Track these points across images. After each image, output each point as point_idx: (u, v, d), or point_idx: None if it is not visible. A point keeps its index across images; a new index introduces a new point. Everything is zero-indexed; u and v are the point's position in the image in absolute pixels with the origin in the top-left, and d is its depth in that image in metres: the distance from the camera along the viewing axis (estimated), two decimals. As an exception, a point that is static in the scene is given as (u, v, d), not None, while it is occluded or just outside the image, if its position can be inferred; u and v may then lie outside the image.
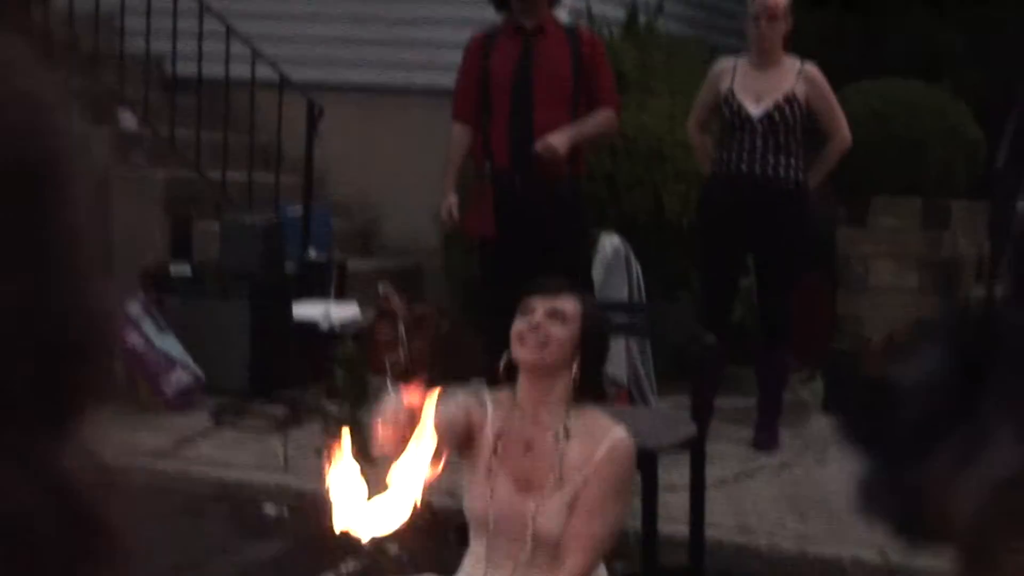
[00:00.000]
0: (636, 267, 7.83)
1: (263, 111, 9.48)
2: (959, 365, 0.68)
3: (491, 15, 7.03)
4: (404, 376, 3.39)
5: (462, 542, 5.24)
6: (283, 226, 8.57)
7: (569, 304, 3.73)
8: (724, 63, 7.46)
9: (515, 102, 6.75)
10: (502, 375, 3.74)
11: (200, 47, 9.45)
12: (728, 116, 7.25)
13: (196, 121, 9.46)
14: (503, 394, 3.71)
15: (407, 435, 3.23)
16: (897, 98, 9.74)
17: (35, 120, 0.66)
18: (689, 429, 4.97)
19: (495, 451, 3.62)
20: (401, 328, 8.26)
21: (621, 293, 7.62)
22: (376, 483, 3.20)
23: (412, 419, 3.26)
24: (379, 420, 3.28)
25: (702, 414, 5.11)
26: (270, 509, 6.51)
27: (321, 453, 6.15)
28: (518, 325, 3.68)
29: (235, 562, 5.91)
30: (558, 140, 6.61)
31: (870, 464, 0.71)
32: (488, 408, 3.66)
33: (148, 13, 9.68)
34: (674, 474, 5.65)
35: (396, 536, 6.21)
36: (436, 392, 3.32)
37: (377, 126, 10.08)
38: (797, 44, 7.47)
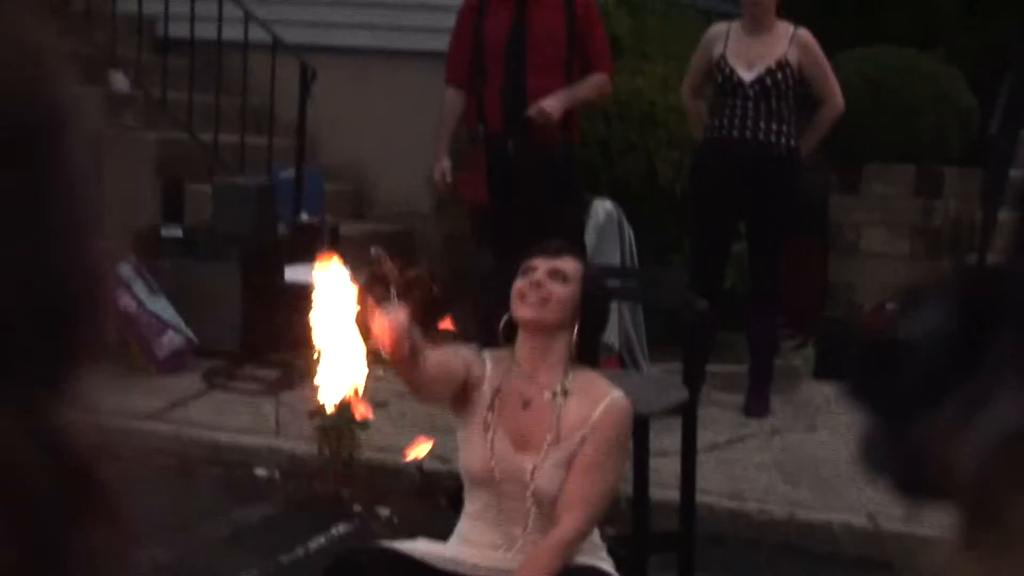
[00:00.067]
0: (628, 232, 7.82)
1: (256, 73, 9.45)
2: (964, 321, 0.68)
3: (485, -22, 7.00)
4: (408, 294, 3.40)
5: (453, 506, 5.26)
6: (275, 189, 8.55)
7: (570, 265, 3.75)
8: (718, 28, 7.44)
9: (508, 66, 6.74)
10: (501, 336, 3.75)
11: (192, 8, 9.41)
12: (720, 81, 7.25)
13: (188, 83, 9.42)
14: (502, 353, 3.72)
15: (401, 343, 3.27)
16: (890, 65, 9.72)
17: (35, 76, 0.65)
18: (681, 394, 4.97)
19: (492, 407, 3.62)
20: (393, 292, 8.24)
21: (613, 258, 7.62)
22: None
23: (409, 329, 3.27)
24: (381, 318, 3.31)
25: (694, 379, 5.11)
26: (262, 472, 6.52)
27: (313, 416, 6.17)
28: (519, 284, 3.69)
29: (226, 524, 5.92)
30: (551, 105, 6.60)
31: (873, 420, 0.71)
32: (487, 365, 3.67)
33: (140, -26, 9.64)
34: (665, 439, 5.66)
35: (387, 499, 6.24)
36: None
37: (370, 89, 10.05)
38: (790, 10, 7.45)
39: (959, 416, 0.66)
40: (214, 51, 9.38)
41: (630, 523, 4.85)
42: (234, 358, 7.88)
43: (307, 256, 8.77)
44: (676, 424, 5.17)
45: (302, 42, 9.32)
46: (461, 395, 3.65)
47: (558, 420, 3.61)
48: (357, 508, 6.16)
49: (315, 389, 3.48)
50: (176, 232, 8.32)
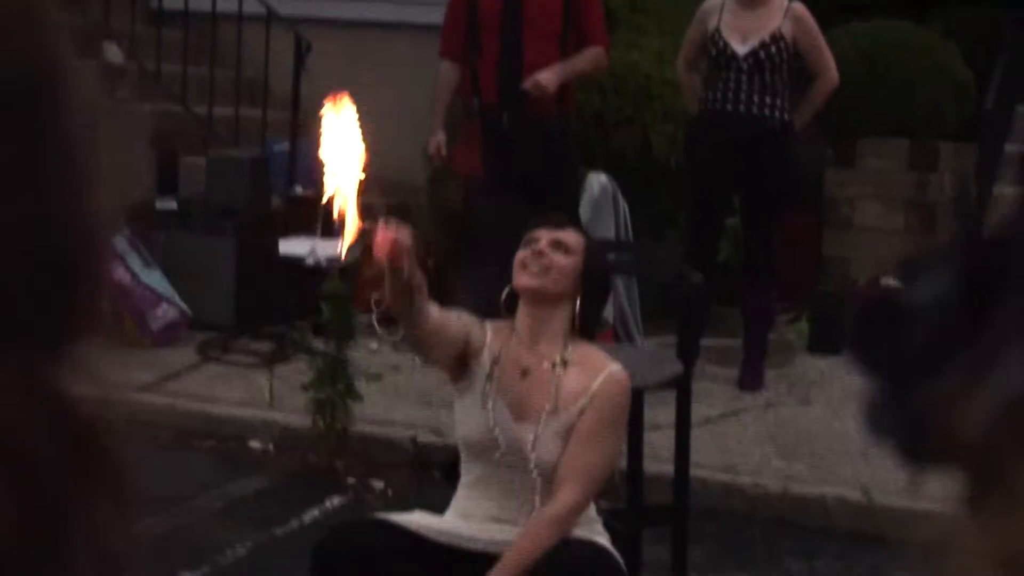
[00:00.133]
0: (623, 206, 7.82)
1: (250, 46, 9.43)
2: (968, 286, 0.68)
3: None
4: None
5: (447, 479, 5.27)
6: (269, 161, 8.55)
7: (573, 237, 3.76)
8: (712, 2, 7.42)
9: (504, 39, 6.72)
10: (503, 308, 3.75)
11: (187, -20, 9.39)
12: (714, 55, 7.24)
13: (182, 55, 9.40)
14: (502, 324, 3.72)
15: (399, 253, 3.28)
16: (886, 38, 9.70)
17: (30, 32, 0.65)
18: (675, 368, 4.97)
19: (491, 377, 3.62)
20: (387, 267, 8.24)
21: (608, 232, 7.62)
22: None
23: (410, 246, 3.32)
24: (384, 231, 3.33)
25: (688, 353, 5.11)
26: (256, 444, 6.53)
27: (307, 388, 6.18)
28: (521, 254, 3.70)
29: (220, 496, 5.92)
30: (546, 78, 6.59)
31: (877, 386, 0.71)
32: (487, 333, 3.67)
33: (134, -55, 9.61)
34: (659, 413, 5.67)
35: (381, 471, 6.25)
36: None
37: (365, 62, 10.02)
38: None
39: (964, 380, 0.66)
40: (208, 23, 9.36)
41: (624, 496, 4.86)
42: (228, 331, 7.88)
43: (301, 229, 8.80)
44: (670, 398, 5.17)
45: (296, 14, 9.30)
46: (460, 362, 3.65)
47: (557, 390, 3.61)
48: (351, 480, 6.17)
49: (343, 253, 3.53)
50: (170, 204, 8.31)
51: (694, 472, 5.37)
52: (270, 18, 9.14)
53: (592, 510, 3.67)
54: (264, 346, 7.71)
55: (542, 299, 3.68)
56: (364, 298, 8.04)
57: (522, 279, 3.68)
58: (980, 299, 0.67)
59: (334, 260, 8.27)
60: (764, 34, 7.14)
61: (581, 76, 7.01)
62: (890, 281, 8.07)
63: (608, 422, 3.62)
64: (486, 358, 3.64)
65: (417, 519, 3.57)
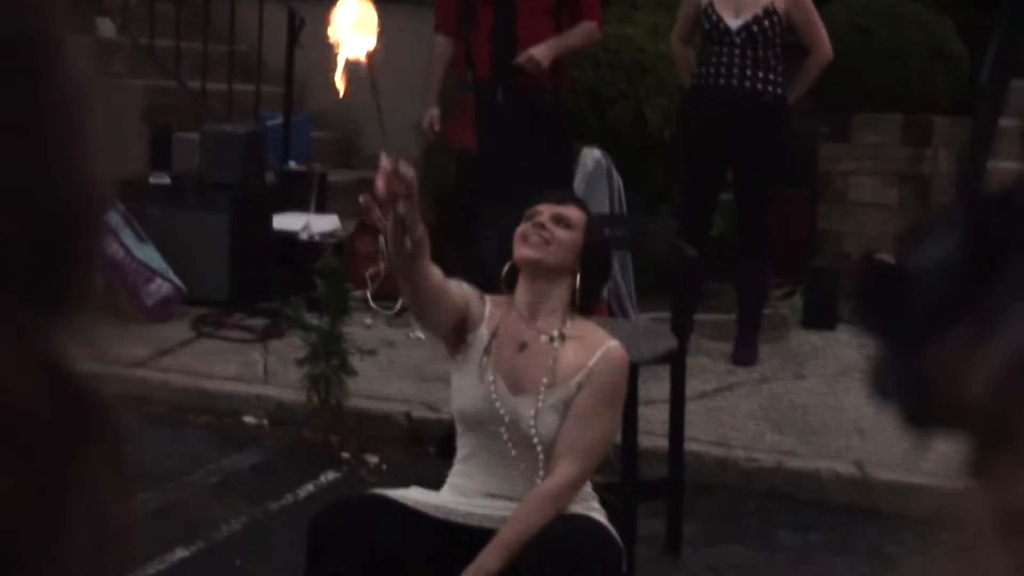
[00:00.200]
0: (617, 180, 7.81)
1: (244, 21, 9.40)
2: (975, 247, 0.68)
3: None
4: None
5: (441, 454, 5.28)
6: (263, 136, 8.53)
7: (575, 213, 3.77)
8: (707, -25, 7.41)
9: (498, 14, 6.71)
10: (503, 284, 3.75)
11: (179, -45, 9.36)
12: (707, 29, 7.23)
13: (176, 30, 9.38)
14: (502, 299, 3.72)
15: (395, 186, 3.25)
16: (880, 12, 9.68)
17: None
18: (669, 343, 4.97)
19: (488, 350, 3.62)
20: (382, 240, 8.25)
21: (602, 207, 7.61)
22: None
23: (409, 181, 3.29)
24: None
25: (683, 328, 5.12)
26: (250, 419, 6.53)
27: (302, 363, 6.18)
28: (522, 227, 3.70)
29: (215, 472, 5.93)
30: (541, 53, 6.58)
31: (882, 349, 0.71)
32: (487, 307, 3.66)
33: (127, -81, 9.58)
34: (654, 388, 5.68)
35: (376, 447, 6.25)
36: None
37: (358, 36, 9.99)
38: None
39: (969, 341, 0.66)
40: (201, -3, 9.34)
41: (619, 471, 4.87)
42: (222, 306, 7.87)
43: (295, 204, 8.78)
44: (664, 372, 5.18)
45: (290, -11, 9.28)
46: (459, 333, 3.64)
47: (554, 363, 3.60)
48: (345, 455, 6.17)
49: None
50: (164, 180, 8.29)
51: (688, 446, 5.39)
52: (263, -8, 9.12)
53: (589, 486, 3.67)
54: (258, 321, 7.71)
55: (542, 272, 3.68)
56: (359, 272, 8.06)
57: (522, 250, 3.68)
58: (985, 261, 0.67)
59: (329, 237, 8.28)
60: (757, 8, 7.13)
61: (575, 51, 7.00)
62: (884, 256, 8.07)
63: (605, 398, 3.62)
64: (484, 331, 3.64)
65: (414, 495, 3.57)
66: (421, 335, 7.47)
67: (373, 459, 6.15)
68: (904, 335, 0.70)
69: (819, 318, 8.05)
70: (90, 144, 0.67)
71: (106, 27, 9.61)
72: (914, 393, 0.69)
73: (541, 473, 3.55)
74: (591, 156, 7.74)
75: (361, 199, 8.44)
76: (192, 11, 9.43)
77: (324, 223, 8.51)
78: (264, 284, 8.03)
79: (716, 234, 7.69)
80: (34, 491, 0.63)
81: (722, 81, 7.16)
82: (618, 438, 4.74)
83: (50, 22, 0.65)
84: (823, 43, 7.27)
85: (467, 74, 6.81)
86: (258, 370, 6.88)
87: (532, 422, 3.55)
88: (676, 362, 5.07)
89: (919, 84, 9.54)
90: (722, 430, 6.29)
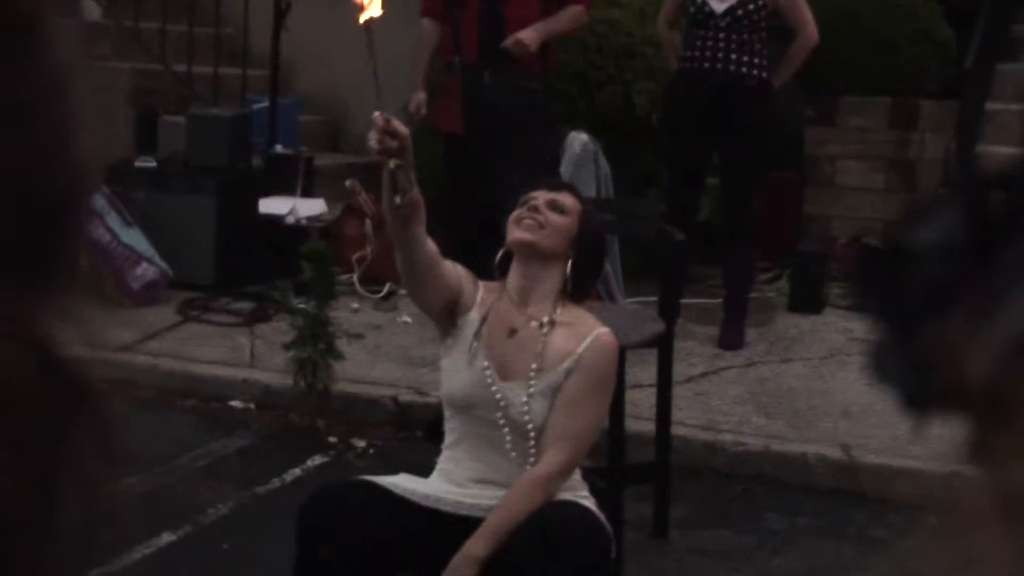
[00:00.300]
0: (604, 164, 7.80)
1: (230, 3, 9.37)
2: (976, 228, 0.67)
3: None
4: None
5: (429, 438, 5.27)
6: (249, 120, 8.51)
7: (569, 200, 3.77)
8: (693, -41, 7.40)
9: (485, -3, 6.69)
10: (496, 271, 3.74)
11: (165, -63, 9.32)
12: (693, 12, 7.22)
13: (161, 12, 9.34)
14: (494, 284, 3.72)
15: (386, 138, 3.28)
16: (868, -4, 9.69)
17: None
18: (657, 327, 4.97)
19: (478, 335, 3.61)
20: (368, 224, 8.24)
21: (589, 190, 7.59)
22: None
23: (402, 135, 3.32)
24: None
25: (670, 311, 5.11)
26: (237, 404, 6.52)
27: (289, 348, 6.17)
28: (517, 212, 3.70)
29: (202, 456, 5.92)
30: (528, 36, 6.56)
31: (882, 331, 0.70)
32: (479, 291, 3.66)
33: (112, -98, 9.54)
34: (641, 372, 5.68)
35: (363, 431, 6.24)
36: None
37: (345, 19, 9.92)
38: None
39: (971, 320, 0.65)
40: (187, -20, 9.30)
41: (606, 455, 4.86)
42: (209, 290, 7.86)
43: (282, 188, 8.77)
44: (652, 356, 5.18)
45: (276, -29, 9.24)
46: (449, 313, 3.63)
47: (543, 350, 3.60)
48: (333, 440, 6.17)
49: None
50: (150, 163, 8.27)
51: (676, 430, 5.39)
52: (249, -25, 9.09)
53: (578, 473, 3.67)
54: (245, 305, 7.70)
55: (534, 255, 3.67)
56: (346, 256, 8.05)
57: (516, 233, 3.68)
58: (986, 239, 0.66)
59: (315, 221, 8.26)
60: (743, -8, 7.12)
61: (562, 34, 6.98)
62: (871, 240, 8.07)
63: (595, 385, 3.61)
64: (475, 316, 3.64)
65: (402, 482, 3.56)
66: (408, 319, 7.47)
67: (360, 443, 6.15)
68: (904, 317, 0.69)
69: (806, 302, 8.06)
70: (76, 125, 0.66)
71: (91, 9, 9.57)
72: (914, 376, 0.68)
73: (532, 459, 3.54)
74: (578, 140, 7.73)
75: (347, 183, 8.42)
76: (178, -6, 9.40)
77: (311, 207, 8.49)
78: (250, 268, 8.02)
79: (703, 218, 7.69)
80: (23, 472, 0.62)
81: (707, 65, 7.16)
82: (605, 422, 4.74)
83: (34, 1, 0.65)
84: (808, 26, 7.27)
85: (454, 57, 6.79)
86: (245, 354, 6.86)
87: (525, 408, 3.54)
88: (663, 346, 5.07)
89: (906, 68, 9.54)
90: (709, 414, 6.30)
